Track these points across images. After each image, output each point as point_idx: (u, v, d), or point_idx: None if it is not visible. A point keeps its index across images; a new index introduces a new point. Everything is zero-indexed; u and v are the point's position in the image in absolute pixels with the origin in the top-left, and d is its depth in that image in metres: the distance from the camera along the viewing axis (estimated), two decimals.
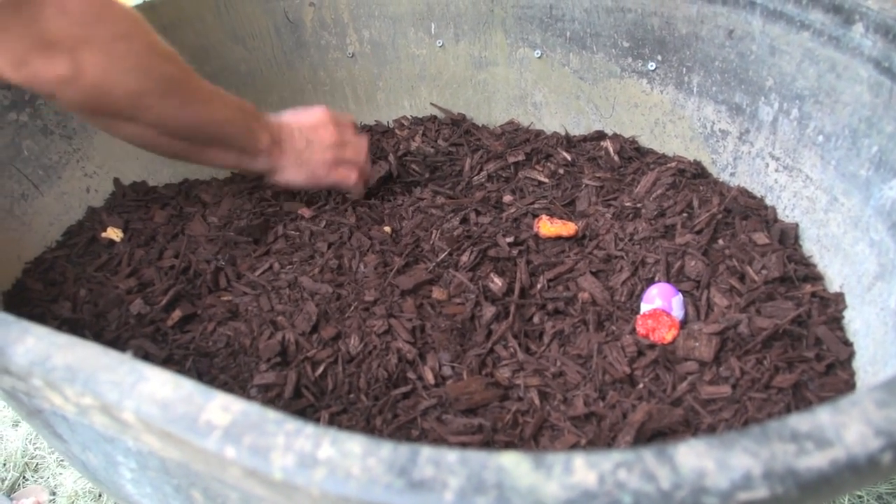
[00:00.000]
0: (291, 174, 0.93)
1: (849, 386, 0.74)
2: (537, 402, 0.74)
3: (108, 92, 0.69)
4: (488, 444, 0.71)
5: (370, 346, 0.82)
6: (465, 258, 0.91)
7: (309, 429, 0.38)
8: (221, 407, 0.41)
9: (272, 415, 0.40)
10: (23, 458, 1.33)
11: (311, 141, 0.93)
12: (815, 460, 0.34)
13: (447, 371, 0.78)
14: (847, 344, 0.78)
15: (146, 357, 0.84)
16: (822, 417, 0.35)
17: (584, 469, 0.34)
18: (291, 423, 0.39)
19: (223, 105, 0.84)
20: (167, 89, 0.75)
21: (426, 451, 0.36)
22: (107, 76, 0.68)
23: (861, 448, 0.34)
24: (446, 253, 0.92)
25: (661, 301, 0.81)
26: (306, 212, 1.01)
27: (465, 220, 1.00)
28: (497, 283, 0.87)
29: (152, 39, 0.74)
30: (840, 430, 0.35)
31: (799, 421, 0.35)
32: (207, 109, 0.81)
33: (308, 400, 0.76)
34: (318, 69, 1.32)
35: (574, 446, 0.69)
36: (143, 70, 0.71)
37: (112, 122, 0.75)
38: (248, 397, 0.78)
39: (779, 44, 0.91)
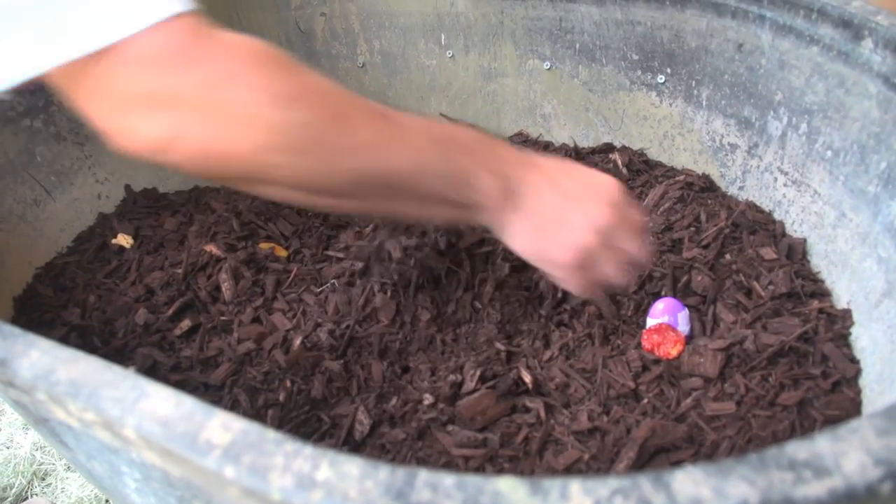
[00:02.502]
0: (520, 242, 0.65)
1: (855, 404, 0.73)
2: (543, 415, 0.74)
3: (218, 154, 0.51)
4: (492, 459, 0.71)
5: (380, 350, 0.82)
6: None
7: (307, 450, 0.38)
8: (222, 425, 0.41)
9: (272, 434, 0.40)
10: (31, 465, 1.34)
11: (568, 209, 0.63)
12: (813, 489, 0.34)
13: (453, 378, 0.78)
14: (854, 361, 0.77)
15: (154, 365, 0.85)
16: (820, 445, 0.35)
17: (581, 495, 0.34)
18: (290, 444, 0.39)
19: (405, 146, 0.58)
20: (302, 142, 0.52)
21: (423, 475, 0.36)
22: (212, 136, 0.50)
23: (860, 477, 0.34)
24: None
25: (667, 316, 0.81)
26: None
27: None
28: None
29: (271, 75, 0.52)
30: (839, 458, 0.35)
31: (797, 449, 0.35)
32: (375, 157, 0.56)
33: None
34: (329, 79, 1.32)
35: (577, 462, 0.69)
36: (258, 121, 0.50)
37: (248, 185, 0.56)
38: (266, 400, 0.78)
39: (788, 58, 0.91)
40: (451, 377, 0.77)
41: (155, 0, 0.49)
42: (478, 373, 0.77)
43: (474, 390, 0.76)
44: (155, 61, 0.49)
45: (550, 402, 0.76)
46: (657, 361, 0.79)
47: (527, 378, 0.77)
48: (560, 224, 0.63)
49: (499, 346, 0.81)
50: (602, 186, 0.65)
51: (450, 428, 0.74)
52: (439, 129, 0.61)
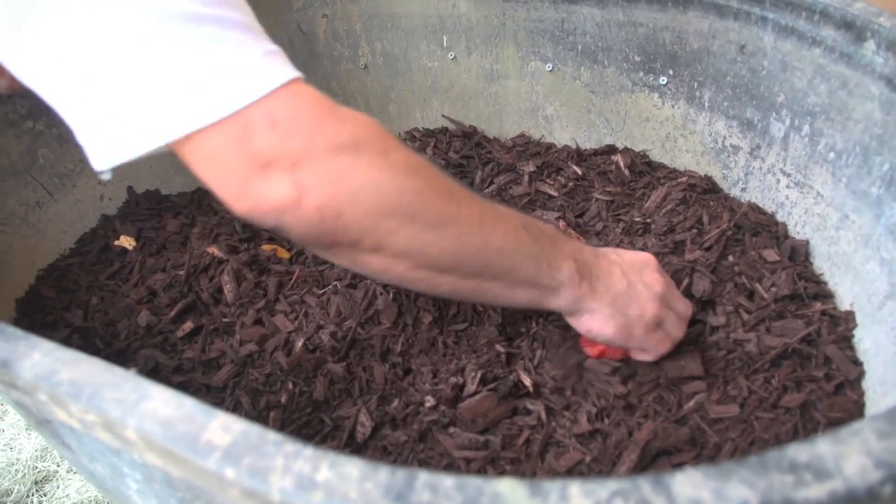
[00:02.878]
0: (600, 323, 0.70)
1: (858, 406, 0.73)
2: (544, 417, 0.74)
3: (337, 215, 0.53)
4: (493, 461, 0.71)
5: (381, 352, 0.82)
6: None
7: (308, 451, 0.38)
8: (222, 427, 0.41)
9: (272, 436, 0.40)
10: (32, 473, 1.34)
11: (633, 284, 0.70)
12: (814, 492, 0.34)
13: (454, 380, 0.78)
14: (857, 363, 0.77)
15: (156, 367, 0.85)
16: (821, 448, 0.35)
17: (580, 497, 0.34)
18: (290, 445, 0.39)
19: (503, 226, 0.62)
20: (415, 208, 0.55)
21: (423, 476, 0.36)
22: (334, 196, 0.52)
23: (860, 480, 0.34)
24: None
25: None
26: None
27: None
28: None
29: (388, 146, 0.55)
30: (840, 461, 0.35)
31: (798, 451, 0.35)
32: (479, 232, 0.60)
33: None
34: (331, 80, 1.33)
35: (578, 464, 0.69)
36: (377, 185, 0.53)
37: (353, 254, 0.57)
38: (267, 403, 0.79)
39: (790, 60, 0.91)
40: (453, 379, 0.77)
41: (269, 68, 0.51)
42: (479, 375, 0.77)
43: (475, 392, 0.76)
44: (278, 126, 0.51)
45: (550, 404, 0.76)
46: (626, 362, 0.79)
47: (526, 381, 0.77)
48: (631, 300, 0.70)
49: (499, 348, 0.81)
50: (647, 260, 0.74)
51: (451, 430, 0.74)
52: (516, 214, 0.65)
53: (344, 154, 0.52)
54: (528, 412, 0.75)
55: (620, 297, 0.69)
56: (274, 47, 0.54)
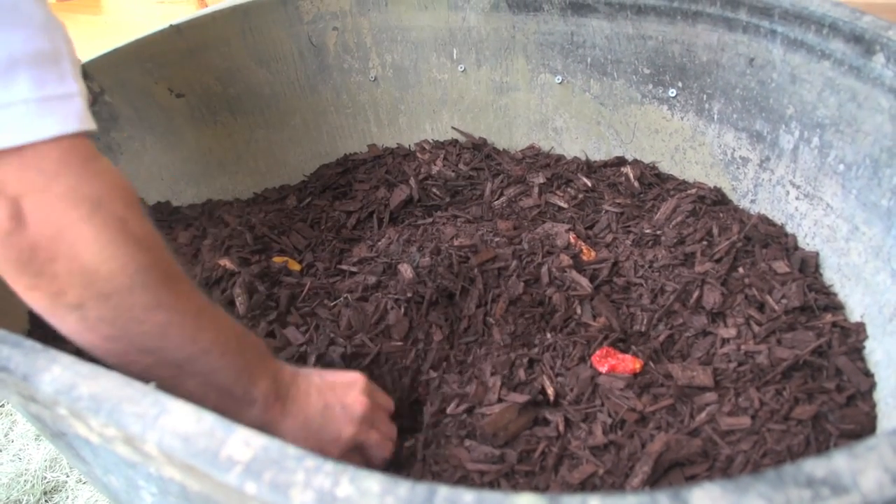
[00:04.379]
0: (294, 441, 0.65)
1: (869, 418, 0.73)
2: (562, 428, 0.74)
3: (51, 258, 0.51)
4: (507, 475, 0.71)
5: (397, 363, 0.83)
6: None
7: (328, 466, 0.39)
8: (243, 441, 0.42)
9: (292, 451, 0.40)
10: (41, 483, 1.34)
11: (330, 406, 0.69)
12: None
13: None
14: (868, 375, 0.77)
15: None
16: (838, 462, 0.35)
17: None
18: (311, 460, 0.39)
19: (216, 328, 0.60)
20: (133, 283, 0.53)
21: (443, 491, 0.36)
22: (53, 239, 0.50)
23: (878, 495, 0.34)
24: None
25: None
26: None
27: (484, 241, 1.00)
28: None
29: (129, 214, 0.54)
30: (857, 475, 0.35)
31: (815, 466, 0.35)
32: (190, 326, 0.58)
33: None
34: (341, 92, 1.33)
35: (592, 476, 0.69)
36: (103, 246, 0.51)
37: (52, 303, 0.54)
38: None
39: (799, 72, 0.91)
40: (469, 388, 0.78)
41: (54, 115, 0.50)
42: (498, 382, 0.78)
43: (499, 400, 0.76)
44: (24, 163, 0.50)
45: (569, 415, 0.76)
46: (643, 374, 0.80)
47: (549, 389, 0.77)
48: (326, 422, 0.68)
49: (521, 352, 0.82)
50: (352, 381, 0.72)
51: (467, 443, 0.74)
52: (234, 323, 0.64)
53: (81, 205, 0.51)
54: (547, 423, 0.76)
55: (314, 420, 0.67)
56: (66, 90, 0.52)
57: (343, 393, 0.70)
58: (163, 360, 0.58)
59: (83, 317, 0.54)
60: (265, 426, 0.65)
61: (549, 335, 0.86)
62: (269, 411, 0.65)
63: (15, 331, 0.86)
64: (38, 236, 0.50)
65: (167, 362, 0.58)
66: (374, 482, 0.37)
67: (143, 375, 0.58)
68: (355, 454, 0.71)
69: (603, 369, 0.80)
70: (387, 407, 0.75)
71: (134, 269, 0.53)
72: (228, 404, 0.62)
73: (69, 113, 0.52)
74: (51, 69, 0.51)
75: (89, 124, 0.53)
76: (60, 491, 1.34)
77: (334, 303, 0.93)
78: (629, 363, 0.80)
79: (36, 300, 0.54)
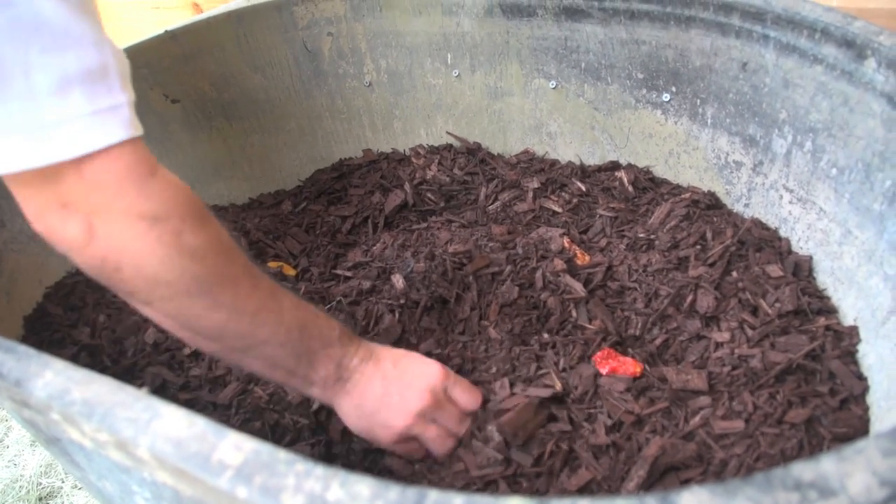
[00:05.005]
0: (348, 420, 0.73)
1: (862, 422, 0.73)
2: (569, 425, 0.74)
3: (117, 269, 0.58)
4: (507, 476, 0.71)
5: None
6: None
7: (319, 470, 0.39)
8: (234, 446, 0.42)
9: (283, 455, 0.40)
10: (36, 489, 1.34)
11: (388, 394, 0.72)
12: None
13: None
14: (861, 378, 0.78)
15: (163, 385, 0.86)
16: (826, 466, 0.35)
17: None
18: (302, 464, 0.39)
19: (277, 321, 0.66)
20: (189, 289, 0.60)
21: (433, 495, 0.37)
22: (118, 252, 0.57)
23: (865, 499, 0.35)
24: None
25: None
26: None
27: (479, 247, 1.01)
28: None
29: (185, 227, 0.59)
30: (844, 479, 0.35)
31: (803, 469, 0.35)
32: (248, 322, 0.64)
33: None
34: (336, 97, 1.34)
35: (590, 482, 0.69)
36: (160, 260, 0.58)
37: (128, 298, 0.62)
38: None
39: (792, 77, 0.92)
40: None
41: (105, 126, 0.55)
42: (506, 380, 0.78)
43: (511, 395, 0.76)
44: (85, 181, 0.55)
45: (572, 414, 0.76)
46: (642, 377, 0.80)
47: (557, 385, 0.77)
48: (381, 408, 0.72)
49: (521, 348, 0.82)
50: (424, 374, 0.74)
51: (474, 444, 0.74)
52: (304, 313, 0.69)
53: (140, 222, 0.57)
54: (556, 420, 0.75)
55: (368, 405, 0.72)
56: (114, 101, 0.56)
57: (409, 383, 0.73)
58: (226, 347, 0.65)
59: (154, 310, 0.62)
60: (327, 401, 0.73)
61: (545, 335, 0.86)
62: (327, 391, 0.71)
63: (9, 336, 0.86)
64: (107, 249, 0.57)
65: (231, 349, 0.66)
66: (363, 486, 0.37)
67: (214, 355, 0.73)
68: (409, 442, 0.74)
69: (604, 370, 0.80)
70: (463, 403, 0.76)
71: (189, 277, 0.59)
72: (292, 382, 0.70)
73: (116, 123, 0.56)
74: (100, 83, 0.55)
75: (135, 130, 0.57)
76: (56, 497, 1.33)
77: (328, 307, 0.93)
78: (630, 366, 0.80)
79: (118, 293, 0.62)
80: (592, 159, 1.23)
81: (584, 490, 0.69)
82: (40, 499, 1.33)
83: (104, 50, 0.56)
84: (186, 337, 0.65)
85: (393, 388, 0.72)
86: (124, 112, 0.56)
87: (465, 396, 0.76)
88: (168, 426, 0.44)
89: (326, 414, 0.80)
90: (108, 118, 0.55)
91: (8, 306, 0.94)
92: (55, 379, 0.50)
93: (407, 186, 1.19)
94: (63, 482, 1.35)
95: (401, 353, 0.76)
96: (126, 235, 0.57)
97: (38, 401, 0.50)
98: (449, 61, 1.27)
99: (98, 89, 0.55)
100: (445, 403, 0.74)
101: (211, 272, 0.61)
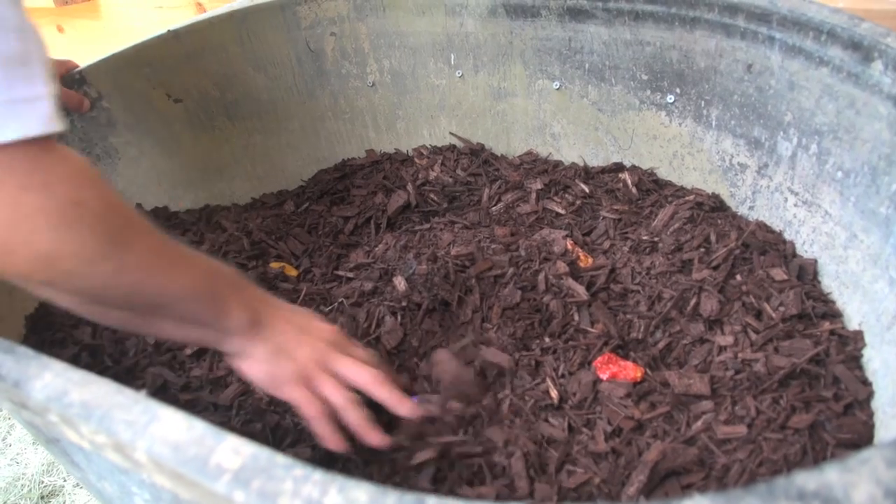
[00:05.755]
0: (254, 367, 0.71)
1: (867, 427, 0.73)
2: (566, 435, 0.74)
3: (9, 251, 0.52)
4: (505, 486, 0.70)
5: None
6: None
7: (317, 475, 0.39)
8: (232, 450, 0.41)
9: (281, 459, 0.40)
10: (38, 488, 1.34)
11: (299, 341, 0.73)
12: None
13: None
14: (866, 384, 0.77)
15: (164, 385, 0.85)
16: (830, 476, 0.35)
17: None
18: (300, 469, 0.39)
19: (185, 272, 0.64)
20: (97, 254, 0.56)
21: (432, 501, 0.36)
22: (8, 233, 0.52)
23: None
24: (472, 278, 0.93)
25: None
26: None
27: (480, 248, 1.00)
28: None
29: (88, 195, 0.55)
30: (849, 489, 0.35)
31: (807, 479, 0.35)
32: (158, 278, 0.61)
33: None
34: (339, 98, 1.33)
35: (586, 483, 0.69)
36: (60, 230, 0.53)
37: (25, 283, 0.57)
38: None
39: (798, 79, 0.91)
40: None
41: (21, 118, 0.51)
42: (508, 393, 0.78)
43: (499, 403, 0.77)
44: None
45: (571, 421, 0.75)
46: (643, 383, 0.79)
47: (553, 393, 0.77)
48: (288, 353, 0.71)
49: (522, 353, 0.82)
50: (326, 329, 0.76)
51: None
52: (207, 260, 0.68)
53: (31, 197, 0.52)
54: (552, 426, 0.75)
55: (281, 350, 0.71)
56: (33, 92, 0.53)
57: (316, 331, 0.75)
58: (139, 311, 0.62)
59: (56, 290, 0.57)
60: (241, 348, 0.70)
61: (547, 339, 0.85)
62: (243, 336, 0.69)
63: (10, 336, 0.86)
64: None
65: (143, 312, 0.63)
66: (361, 492, 0.37)
67: (122, 326, 0.65)
68: (303, 389, 0.72)
69: (604, 376, 0.79)
70: (356, 355, 0.76)
71: (93, 244, 0.55)
72: (209, 338, 0.69)
73: (33, 116, 0.52)
74: (19, 71, 0.52)
75: (54, 126, 0.53)
76: (58, 495, 1.33)
77: (329, 308, 0.93)
78: (630, 371, 0.80)
79: (13, 280, 0.57)
80: (596, 161, 1.23)
81: (582, 493, 0.68)
82: (42, 497, 1.33)
83: (27, 36, 0.53)
84: (94, 312, 0.61)
85: (302, 336, 0.73)
86: (43, 105, 0.53)
87: (360, 351, 0.77)
88: (166, 429, 0.44)
89: None
90: (24, 110, 0.52)
91: (10, 305, 0.94)
92: (54, 380, 0.50)
93: (410, 187, 1.19)
94: (65, 481, 1.35)
95: (300, 309, 0.77)
96: (16, 214, 0.52)
97: (36, 402, 0.50)
98: (452, 62, 1.27)
99: (16, 78, 0.52)
100: (345, 352, 0.75)
101: (113, 233, 0.57)
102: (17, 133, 0.51)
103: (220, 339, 0.69)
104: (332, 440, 0.72)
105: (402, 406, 0.74)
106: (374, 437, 0.72)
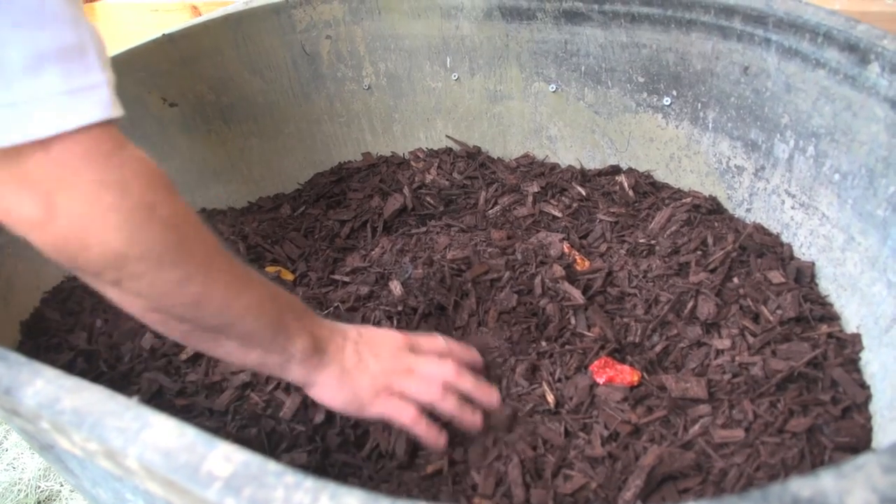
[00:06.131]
0: (329, 394, 0.71)
1: (865, 431, 0.72)
2: (562, 440, 0.74)
3: (84, 247, 0.54)
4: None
5: None
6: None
7: (308, 482, 0.38)
8: (223, 457, 0.41)
9: (272, 466, 0.40)
10: (35, 493, 1.33)
11: (363, 358, 0.73)
12: None
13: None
14: (864, 387, 0.77)
15: (159, 390, 0.85)
16: (825, 482, 0.35)
17: None
18: (291, 476, 0.39)
19: (250, 294, 0.64)
20: (162, 263, 0.57)
21: None
22: (84, 229, 0.53)
23: None
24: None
25: None
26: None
27: (476, 252, 1.00)
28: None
29: (158, 199, 0.56)
30: (844, 496, 0.34)
31: (801, 485, 0.35)
32: (223, 297, 0.62)
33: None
34: (335, 101, 1.33)
35: (582, 488, 0.69)
36: (131, 233, 0.54)
37: (94, 280, 0.58)
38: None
39: (794, 81, 0.91)
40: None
41: (81, 106, 0.52)
42: (512, 395, 0.77)
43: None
44: (51, 157, 0.52)
45: (568, 425, 0.75)
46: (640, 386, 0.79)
47: (550, 397, 0.77)
48: (359, 371, 0.72)
49: (519, 357, 0.82)
50: (390, 336, 0.76)
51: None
52: (269, 284, 0.67)
53: (107, 194, 0.53)
54: (549, 429, 0.75)
55: (349, 371, 0.71)
56: (92, 81, 0.53)
57: (379, 345, 0.74)
58: (200, 326, 0.62)
59: (122, 291, 0.58)
60: (306, 378, 0.70)
61: (543, 343, 0.85)
62: (306, 364, 0.69)
63: (5, 342, 0.86)
64: (69, 228, 0.53)
65: (205, 328, 0.63)
66: (353, 498, 0.37)
67: (185, 340, 0.65)
68: (394, 398, 0.72)
69: (601, 380, 0.79)
70: (430, 348, 0.77)
71: (161, 249, 0.56)
72: (269, 361, 0.68)
73: (94, 103, 0.53)
74: (77, 61, 0.53)
75: (115, 111, 0.54)
76: (54, 500, 1.33)
77: (325, 312, 0.93)
78: (627, 375, 0.79)
79: (83, 277, 0.58)
80: (593, 163, 1.23)
81: (578, 497, 0.68)
82: (39, 502, 1.32)
83: (81, 28, 0.54)
84: (156, 320, 0.61)
85: (365, 353, 0.73)
86: (101, 92, 0.54)
87: (430, 344, 0.77)
88: (157, 436, 0.44)
89: (324, 420, 0.79)
90: (84, 98, 0.53)
91: (5, 311, 0.93)
92: (46, 387, 0.50)
93: (406, 190, 1.19)
94: (62, 486, 1.35)
95: (356, 325, 0.76)
96: (93, 209, 0.53)
97: (27, 409, 0.49)
98: (448, 65, 1.27)
99: (74, 68, 0.52)
100: (417, 352, 0.75)
101: (183, 242, 0.58)
102: (81, 120, 0.52)
103: (283, 366, 0.69)
104: (438, 439, 0.73)
105: (488, 395, 0.75)
106: (473, 419, 0.73)
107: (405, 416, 0.72)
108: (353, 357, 0.72)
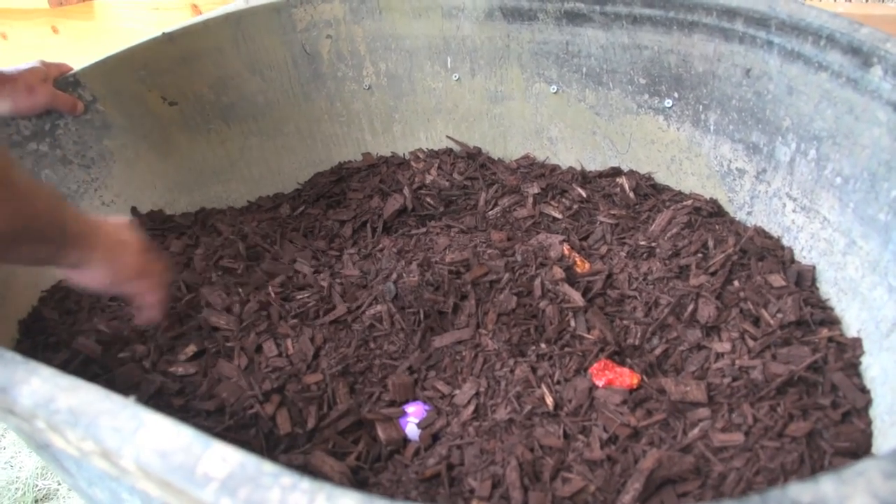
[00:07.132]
0: (97, 273, 0.78)
1: (865, 435, 0.72)
2: (561, 442, 0.73)
3: None
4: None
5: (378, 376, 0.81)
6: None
7: (304, 483, 0.38)
8: (219, 457, 0.41)
9: (268, 467, 0.39)
10: (32, 491, 1.33)
11: (122, 241, 0.81)
12: None
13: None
14: (864, 391, 0.76)
15: (158, 390, 0.85)
16: (825, 488, 0.34)
17: None
18: (287, 477, 0.38)
19: (37, 197, 0.69)
20: None
21: None
22: None
23: None
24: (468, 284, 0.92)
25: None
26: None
27: (476, 254, 0.99)
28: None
29: None
30: (844, 502, 0.34)
31: (801, 491, 0.34)
32: (22, 205, 0.66)
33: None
34: (335, 100, 1.33)
35: (581, 491, 0.68)
36: None
37: None
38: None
39: (796, 84, 0.91)
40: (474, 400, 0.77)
41: None
42: (511, 397, 0.77)
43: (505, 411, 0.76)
44: None
45: (567, 428, 0.75)
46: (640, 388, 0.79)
47: (549, 400, 0.77)
48: (121, 252, 0.80)
49: (518, 360, 0.81)
50: (125, 222, 0.85)
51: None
52: (42, 184, 0.74)
53: None
54: (547, 432, 0.75)
55: (113, 248, 0.79)
56: None
57: (123, 229, 0.83)
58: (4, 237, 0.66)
59: None
60: (82, 260, 0.76)
61: (543, 346, 0.85)
62: (83, 247, 0.76)
63: (3, 340, 0.86)
64: None
65: (8, 237, 0.66)
66: (349, 500, 0.36)
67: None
68: (143, 280, 0.83)
69: (600, 383, 0.79)
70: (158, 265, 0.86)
71: None
72: (60, 253, 0.73)
73: None
74: None
75: None
76: (52, 499, 1.33)
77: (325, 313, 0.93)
78: (626, 377, 0.79)
79: None
80: (593, 165, 1.22)
81: (577, 500, 0.68)
82: (36, 501, 1.32)
83: None
84: None
85: (119, 233, 0.81)
86: None
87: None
88: (153, 436, 0.43)
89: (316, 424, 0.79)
90: None
91: (3, 310, 0.93)
92: (42, 386, 0.49)
93: (406, 191, 1.18)
94: (59, 485, 1.34)
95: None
96: None
97: (23, 408, 0.49)
98: (449, 65, 1.26)
99: None
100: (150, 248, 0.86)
101: None
102: None
103: (68, 253, 0.74)
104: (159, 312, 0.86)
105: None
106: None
107: (149, 298, 0.84)
108: (114, 237, 0.80)
